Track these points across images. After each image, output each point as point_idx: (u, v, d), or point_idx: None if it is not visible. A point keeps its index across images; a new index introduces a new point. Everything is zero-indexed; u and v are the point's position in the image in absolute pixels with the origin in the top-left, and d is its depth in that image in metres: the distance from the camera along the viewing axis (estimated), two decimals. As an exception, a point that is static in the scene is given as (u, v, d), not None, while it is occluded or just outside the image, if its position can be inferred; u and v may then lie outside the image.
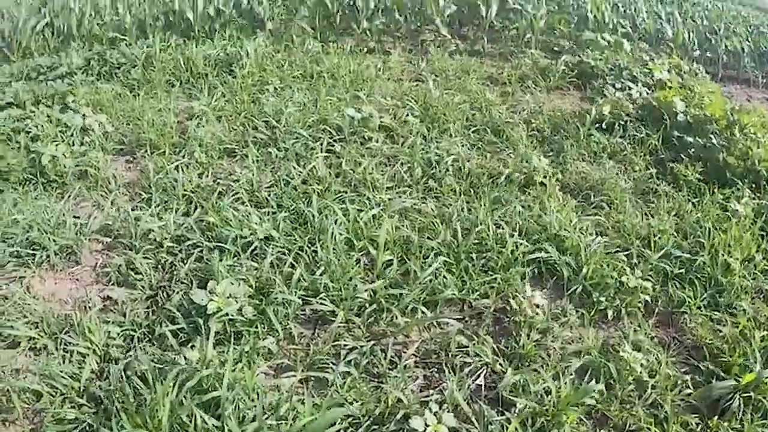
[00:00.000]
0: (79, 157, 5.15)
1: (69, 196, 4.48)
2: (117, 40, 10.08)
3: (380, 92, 6.42)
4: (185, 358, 2.71)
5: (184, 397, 2.49)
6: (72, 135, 5.55)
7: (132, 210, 4.13)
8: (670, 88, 6.71)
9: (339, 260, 3.32)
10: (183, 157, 4.91)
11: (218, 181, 4.54)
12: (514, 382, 2.69)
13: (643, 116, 5.94)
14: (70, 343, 3.01)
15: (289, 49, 8.32)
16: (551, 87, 7.14)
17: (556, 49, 8.91)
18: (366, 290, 3.14)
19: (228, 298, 3.01)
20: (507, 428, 2.50)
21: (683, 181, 4.79)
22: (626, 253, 3.69)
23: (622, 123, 5.71)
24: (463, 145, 5.09)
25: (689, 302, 3.36)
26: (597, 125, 5.67)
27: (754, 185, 4.83)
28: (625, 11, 10.56)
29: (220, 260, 3.38)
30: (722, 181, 4.86)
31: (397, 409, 2.56)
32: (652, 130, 5.60)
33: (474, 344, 2.93)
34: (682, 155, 5.19)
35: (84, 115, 5.99)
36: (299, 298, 3.14)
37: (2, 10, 17.24)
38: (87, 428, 2.62)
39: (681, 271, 3.60)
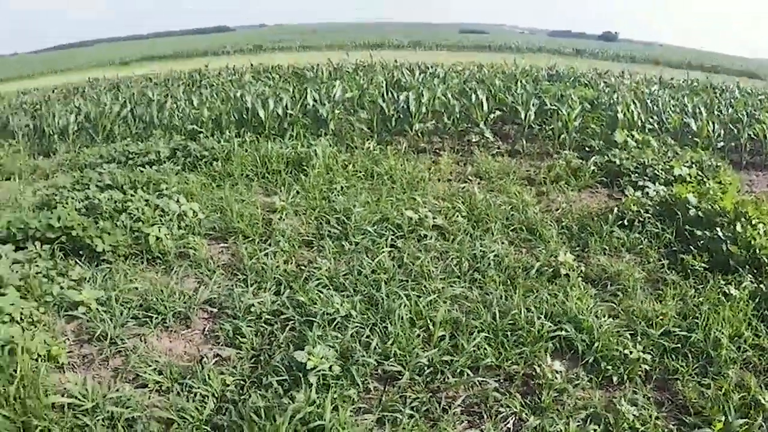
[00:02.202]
0: (178, 239, 6.36)
1: (174, 272, 5.65)
2: (195, 132, 11.35)
3: (432, 192, 7.55)
4: (293, 399, 3.68)
5: (295, 428, 3.48)
6: (171, 219, 6.74)
7: (232, 287, 5.26)
8: (688, 183, 7.64)
9: (405, 333, 4.32)
10: (270, 245, 6.06)
11: (301, 267, 5.67)
12: (535, 426, 3.60)
13: (661, 212, 6.86)
14: (192, 386, 3.99)
15: (351, 150, 9.53)
16: (581, 186, 8.15)
17: (587, 148, 9.91)
18: (425, 357, 4.12)
19: (321, 358, 4.02)
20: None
21: (690, 270, 5.66)
22: (632, 331, 4.59)
23: (641, 220, 6.66)
24: (502, 243, 6.10)
25: (682, 371, 4.21)
26: (619, 222, 6.62)
27: (756, 271, 5.62)
28: (653, 108, 11.51)
29: (310, 330, 4.42)
30: (726, 268, 5.69)
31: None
32: (668, 225, 6.51)
33: (506, 398, 3.84)
34: (692, 247, 6.06)
35: (179, 202, 7.13)
36: (375, 360, 4.13)
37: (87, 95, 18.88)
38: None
39: (677, 345, 4.46)
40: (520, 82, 13.58)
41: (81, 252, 6.26)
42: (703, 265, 5.71)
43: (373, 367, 4.13)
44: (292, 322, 4.69)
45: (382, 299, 4.82)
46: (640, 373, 4.19)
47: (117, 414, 3.79)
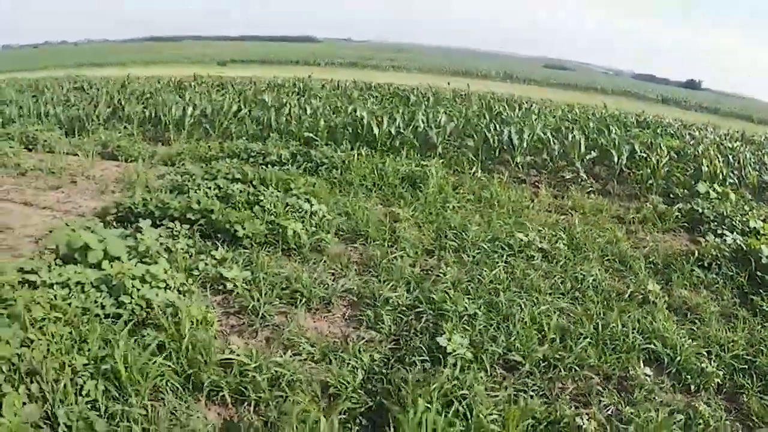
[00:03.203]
0: (311, 235, 7.48)
1: (311, 263, 6.84)
2: (311, 139, 12.56)
3: (535, 220, 8.65)
4: (435, 374, 4.72)
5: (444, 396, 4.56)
6: (302, 217, 7.91)
7: (367, 282, 6.41)
8: (762, 234, 8.53)
9: (524, 332, 5.44)
10: (396, 249, 7.23)
11: (427, 271, 6.84)
12: (630, 413, 4.62)
13: (736, 258, 7.76)
14: (343, 358, 5.00)
15: (458, 174, 10.70)
16: (666, 229, 9.12)
17: (672, 195, 10.82)
18: (541, 352, 5.23)
19: (458, 344, 5.14)
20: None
21: (759, 309, 6.59)
22: (707, 351, 5.60)
23: (718, 263, 7.60)
24: (599, 269, 7.16)
25: (748, 387, 5.18)
26: (699, 263, 7.59)
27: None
28: (734, 163, 12.30)
29: (445, 323, 5.55)
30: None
31: (562, 417, 4.61)
32: (741, 270, 7.43)
33: (606, 392, 4.88)
34: (761, 290, 7.00)
35: (309, 202, 8.28)
36: (501, 350, 5.24)
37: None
38: (367, 408, 4.47)
39: (745, 366, 5.45)
40: (613, 126, 14.55)
41: (219, 235, 7.34)
42: (769, 306, 6.68)
43: (499, 356, 5.21)
44: (426, 315, 5.76)
45: (502, 304, 5.95)
46: (713, 384, 5.15)
47: (280, 374, 4.65)
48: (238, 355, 4.80)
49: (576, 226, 8.47)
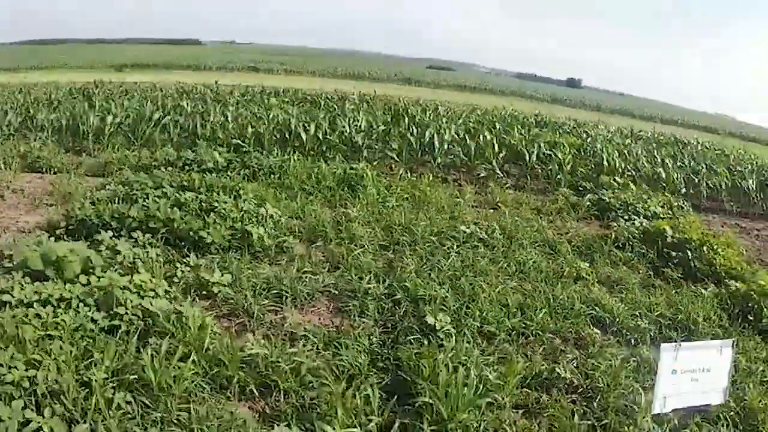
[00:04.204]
0: (274, 237, 7.74)
1: (282, 264, 7.16)
2: (239, 146, 12.58)
3: (468, 214, 9.55)
4: (431, 347, 5.38)
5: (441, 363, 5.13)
6: (260, 221, 8.04)
7: (340, 276, 6.89)
8: (663, 218, 9.86)
9: (491, 307, 6.25)
10: (356, 247, 7.75)
11: (389, 264, 7.47)
12: (591, 363, 5.56)
13: (644, 239, 9.03)
14: (347, 344, 5.45)
15: (387, 175, 11.41)
16: (579, 217, 10.34)
17: (579, 188, 12.15)
18: (510, 324, 6.04)
19: (443, 322, 5.78)
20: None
21: (670, 279, 7.87)
22: (638, 313, 6.68)
23: (631, 243, 8.83)
24: (534, 254, 8.15)
25: (675, 337, 6.25)
26: (615, 244, 8.78)
27: (716, 280, 7.97)
28: (628, 157, 13.87)
29: (424, 306, 6.22)
30: (695, 279, 8.01)
31: (542, 371, 5.32)
32: (650, 248, 8.72)
33: (569, 349, 5.80)
34: (670, 263, 8.30)
35: (264, 206, 8.51)
36: (477, 324, 6.01)
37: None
38: (384, 383, 4.96)
39: (669, 322, 6.59)
40: (516, 126, 15.90)
41: (182, 243, 7.44)
42: (678, 275, 7.96)
43: (477, 328, 5.93)
44: (404, 301, 6.35)
45: (465, 287, 6.74)
46: (648, 337, 6.20)
47: (299, 363, 4.91)
48: (256, 351, 5.04)
49: (506, 217, 9.48)
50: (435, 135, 12.94)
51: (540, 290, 6.98)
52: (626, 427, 4.65)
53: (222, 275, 6.51)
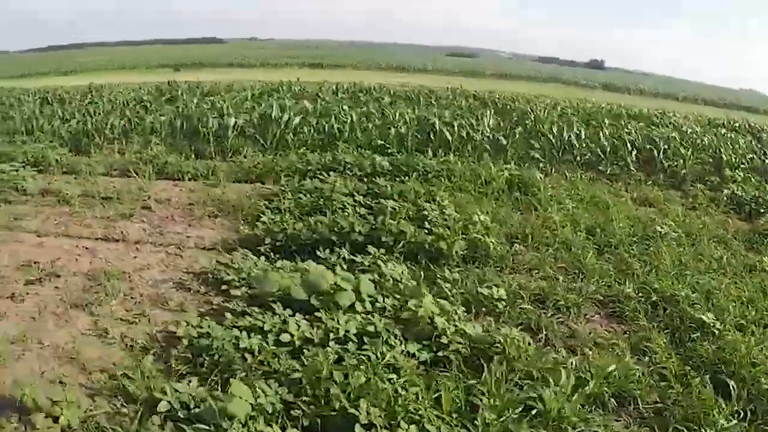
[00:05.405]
0: (503, 245, 7.92)
1: (520, 272, 7.40)
2: (383, 148, 12.74)
3: (633, 213, 10.42)
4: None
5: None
6: (484, 228, 7.99)
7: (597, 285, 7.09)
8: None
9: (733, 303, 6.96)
10: (571, 250, 8.17)
11: (618, 266, 7.86)
12: None
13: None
14: (648, 349, 5.77)
15: (547, 175, 11.99)
16: (722, 212, 11.30)
17: (707, 182, 12.97)
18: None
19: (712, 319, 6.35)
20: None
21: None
22: None
23: None
24: (717, 248, 8.99)
25: None
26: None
27: None
28: (737, 150, 14.77)
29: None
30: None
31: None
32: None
33: None
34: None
35: (477, 213, 8.42)
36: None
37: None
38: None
39: None
40: (624, 121, 16.91)
41: (418, 257, 7.32)
42: None
43: (736, 323, 6.42)
44: (660, 302, 6.80)
45: (706, 284, 7.31)
46: None
47: (646, 372, 5.37)
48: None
49: (679, 215, 10.24)
50: (572, 133, 13.75)
51: (753, 285, 7.29)
52: None
53: (498, 289, 6.39)
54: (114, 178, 11.37)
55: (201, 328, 5.35)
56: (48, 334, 5.57)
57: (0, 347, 5.21)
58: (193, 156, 13.03)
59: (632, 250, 8.48)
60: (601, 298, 6.93)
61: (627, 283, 7.23)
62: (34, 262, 7.16)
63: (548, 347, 5.77)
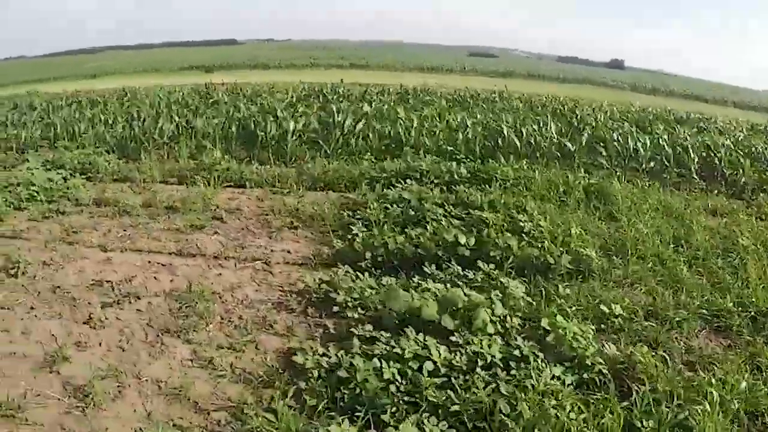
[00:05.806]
0: (602, 257, 7.82)
1: (622, 286, 7.33)
2: (452, 153, 12.73)
3: (708, 224, 10.46)
4: None
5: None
6: (582, 241, 8.00)
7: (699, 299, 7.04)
8: None
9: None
10: (657, 262, 8.10)
11: (710, 280, 7.88)
12: None
13: None
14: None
15: (629, 188, 11.91)
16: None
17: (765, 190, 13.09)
18: None
19: None
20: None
21: None
22: None
23: None
24: None
25: None
26: None
27: None
28: None
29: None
30: None
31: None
32: None
33: None
34: None
35: (569, 224, 8.45)
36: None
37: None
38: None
39: None
40: (676, 126, 17.36)
41: (525, 271, 7.17)
42: None
43: None
44: (758, 316, 6.81)
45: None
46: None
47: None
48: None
49: (754, 227, 10.27)
50: (637, 140, 13.85)
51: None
52: None
53: (615, 306, 6.41)
54: (172, 186, 10.99)
55: (329, 357, 4.96)
56: (144, 367, 5.07)
57: (89, 383, 4.63)
58: (256, 162, 12.61)
59: (718, 262, 8.45)
60: (705, 312, 6.88)
61: (724, 297, 7.18)
62: (106, 281, 6.73)
63: (672, 364, 5.64)
